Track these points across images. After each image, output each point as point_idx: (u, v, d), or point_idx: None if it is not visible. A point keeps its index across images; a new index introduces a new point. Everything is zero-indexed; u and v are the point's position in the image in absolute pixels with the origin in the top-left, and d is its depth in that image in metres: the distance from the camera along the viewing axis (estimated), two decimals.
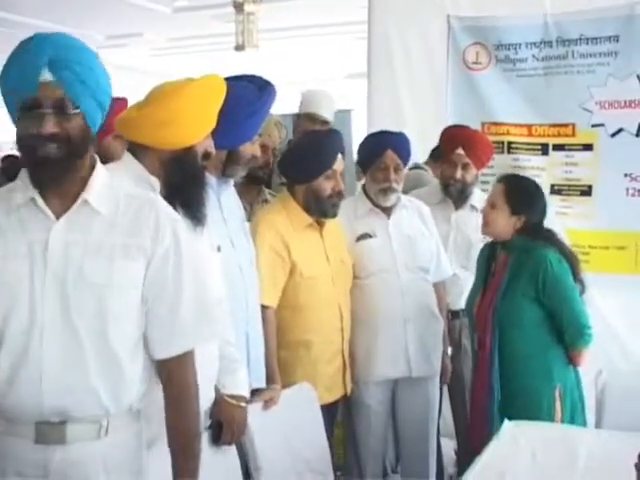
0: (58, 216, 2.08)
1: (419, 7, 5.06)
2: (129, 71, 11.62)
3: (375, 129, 4.57)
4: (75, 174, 2.08)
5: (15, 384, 2.07)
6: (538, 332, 3.62)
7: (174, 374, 2.25)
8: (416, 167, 5.07)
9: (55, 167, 2.02)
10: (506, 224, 3.66)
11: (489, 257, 3.80)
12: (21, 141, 2.03)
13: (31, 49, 2.03)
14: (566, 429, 3.44)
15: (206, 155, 2.74)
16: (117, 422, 2.18)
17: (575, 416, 3.58)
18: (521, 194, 3.70)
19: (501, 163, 4.93)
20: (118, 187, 2.20)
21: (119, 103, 3.51)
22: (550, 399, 3.55)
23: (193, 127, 2.68)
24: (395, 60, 5.14)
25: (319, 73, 12.10)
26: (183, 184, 2.65)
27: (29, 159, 2.03)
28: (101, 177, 2.15)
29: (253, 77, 3.29)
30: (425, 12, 5.06)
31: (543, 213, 3.80)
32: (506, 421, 3.35)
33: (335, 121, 4.71)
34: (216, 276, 2.86)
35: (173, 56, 12.83)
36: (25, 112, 2.01)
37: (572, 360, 3.65)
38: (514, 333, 3.61)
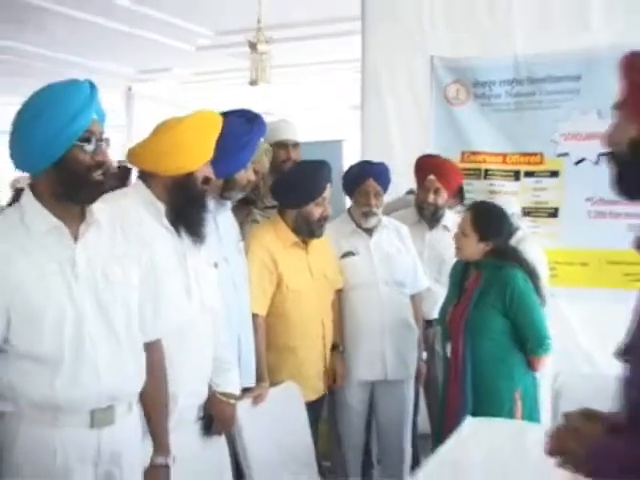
0: (74, 234, 2.24)
1: (406, 48, 5.08)
2: (159, 102, 11.75)
3: (368, 157, 4.66)
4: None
5: (78, 380, 2.19)
6: (503, 340, 3.65)
7: (153, 354, 2.48)
8: (411, 192, 5.13)
9: (98, 193, 2.28)
10: (475, 249, 3.70)
11: (462, 273, 3.83)
12: (79, 169, 2.21)
13: (85, 91, 2.26)
14: (521, 425, 3.47)
15: (206, 180, 2.79)
16: (135, 399, 2.40)
17: (532, 415, 3.61)
18: (487, 222, 3.71)
19: (479, 188, 4.98)
20: (103, 208, 2.35)
21: None
22: (511, 400, 3.59)
23: (192, 156, 2.75)
24: (385, 96, 5.17)
25: (324, 104, 12.16)
26: (185, 206, 2.73)
27: (82, 185, 2.22)
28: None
29: (244, 111, 3.35)
30: (411, 53, 5.07)
31: (509, 236, 3.85)
32: (468, 417, 3.38)
33: (327, 150, 4.80)
34: (214, 287, 2.93)
35: (198, 88, 12.92)
36: (71, 142, 2.19)
37: (531, 366, 3.68)
38: (482, 341, 3.64)
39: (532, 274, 3.71)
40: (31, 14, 8.26)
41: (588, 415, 1.93)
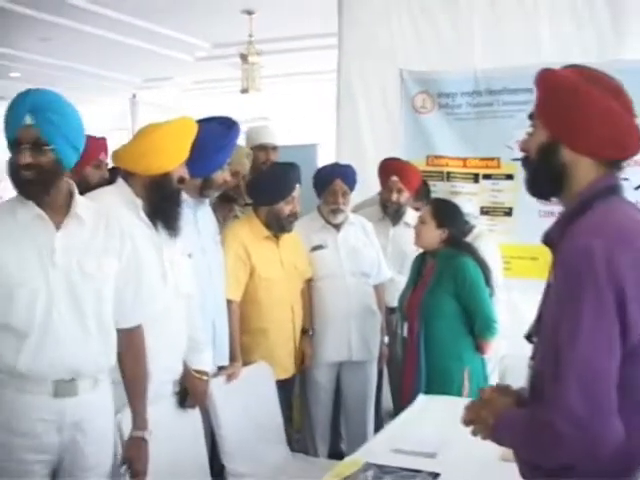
0: (57, 227, 2.35)
1: (378, 61, 5.19)
2: (162, 108, 11.83)
3: (342, 160, 4.79)
4: (57, 196, 2.35)
5: (41, 352, 2.30)
6: (454, 323, 3.75)
7: (133, 338, 2.59)
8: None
9: (31, 189, 2.29)
10: (433, 236, 3.82)
11: (420, 264, 3.97)
12: (9, 169, 2.30)
13: (19, 100, 2.29)
14: (466, 400, 3.58)
15: (181, 180, 2.92)
16: (103, 377, 2.50)
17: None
18: (444, 211, 3.86)
19: (442, 189, 5.08)
20: (90, 205, 2.49)
21: (100, 141, 3.81)
22: (460, 379, 3.69)
23: (168, 158, 2.87)
24: (358, 104, 5.27)
25: (308, 110, 12.25)
26: (161, 203, 2.85)
27: (13, 182, 2.32)
28: (79, 197, 2.44)
29: (224, 118, 3.48)
30: (382, 66, 5.18)
31: (463, 229, 4.00)
32: (420, 395, 3.52)
33: (304, 153, 4.89)
34: (188, 276, 3.04)
35: (197, 95, 13.07)
36: (12, 147, 2.29)
37: (480, 349, 3.79)
38: (435, 323, 3.74)
39: (482, 264, 3.85)
40: (52, 31, 8.56)
41: (501, 390, 2.01)
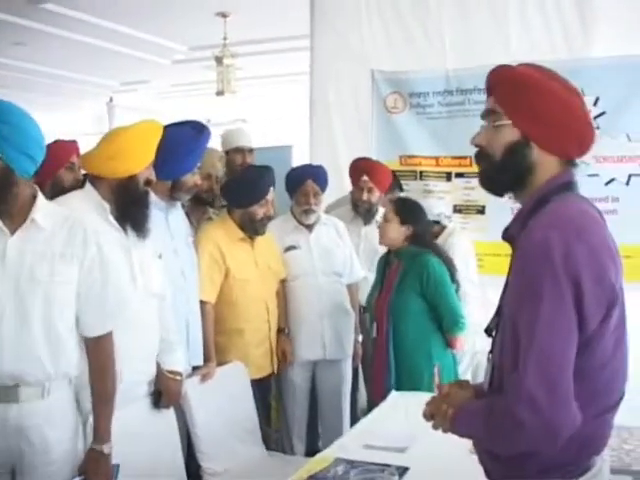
0: (12, 232, 2.35)
1: (350, 62, 5.21)
2: (139, 111, 11.82)
3: (316, 160, 4.83)
4: (14, 202, 2.35)
5: None
6: (422, 321, 3.80)
7: (99, 348, 2.54)
8: None
9: None
10: (397, 233, 3.87)
11: (385, 263, 4.01)
12: None
13: None
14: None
15: (148, 182, 2.93)
16: (55, 386, 2.44)
17: None
18: (407, 208, 3.91)
19: (415, 188, 5.11)
20: (55, 210, 2.49)
21: (71, 144, 3.84)
22: (430, 375, 3.67)
23: (134, 160, 2.88)
24: (331, 105, 5.30)
25: (284, 112, 12.28)
26: (129, 205, 2.86)
27: None
28: (43, 203, 2.43)
29: (194, 122, 3.51)
30: (354, 66, 5.21)
31: (426, 226, 4.04)
32: (393, 391, 3.57)
33: (279, 155, 4.91)
34: (159, 277, 3.06)
35: (175, 98, 13.08)
36: None
37: (450, 344, 3.84)
38: (404, 322, 3.79)
39: (446, 261, 3.90)
40: (27, 35, 8.58)
41: (460, 385, 2.07)
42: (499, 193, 1.98)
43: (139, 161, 2.90)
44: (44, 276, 2.37)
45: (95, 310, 2.51)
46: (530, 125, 1.82)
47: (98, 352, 2.54)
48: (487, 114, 1.92)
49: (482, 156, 1.93)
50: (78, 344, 2.51)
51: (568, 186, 1.85)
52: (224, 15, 7.71)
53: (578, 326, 1.66)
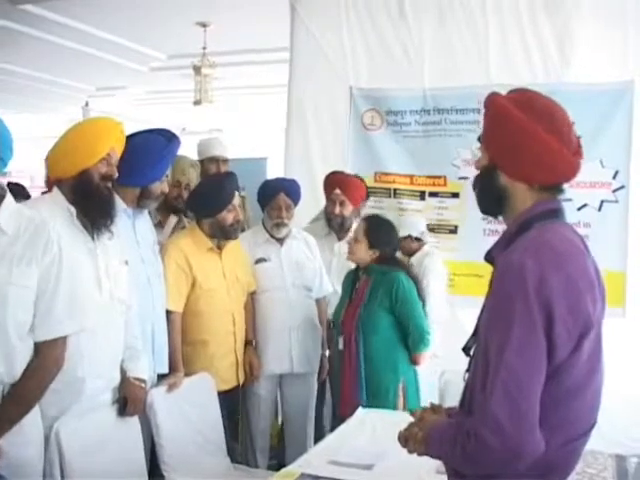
0: None
1: (328, 78, 5.22)
2: (115, 117, 11.76)
3: (291, 174, 4.83)
4: None
5: None
6: (390, 336, 3.83)
7: (42, 354, 2.46)
8: None
9: None
10: (364, 254, 3.90)
11: (354, 279, 4.03)
12: None
13: None
14: (403, 414, 3.63)
15: (105, 177, 2.87)
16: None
17: (414, 405, 3.72)
18: (377, 232, 3.91)
19: (389, 205, 5.14)
20: (21, 212, 2.45)
21: None
22: (395, 390, 3.78)
23: (81, 154, 2.83)
24: (308, 119, 5.28)
25: (260, 124, 12.29)
26: (86, 201, 2.81)
27: None
28: (8, 205, 2.40)
29: (164, 130, 3.50)
30: (332, 83, 5.21)
31: (395, 248, 4.06)
32: (360, 408, 3.56)
33: (253, 166, 4.91)
34: (125, 283, 3.04)
35: (152, 105, 13.03)
36: None
37: (414, 361, 3.87)
38: (372, 337, 3.82)
39: (414, 279, 3.94)
40: (1, 36, 8.39)
41: (434, 409, 2.10)
42: (490, 214, 2.03)
43: (87, 155, 2.84)
44: (2, 278, 2.33)
45: (43, 315, 2.45)
46: (493, 151, 1.89)
47: (41, 357, 2.46)
48: (478, 139, 2.00)
49: (475, 179, 2.00)
50: (32, 350, 2.46)
51: (554, 213, 1.86)
52: (204, 25, 7.69)
53: (547, 354, 1.67)
